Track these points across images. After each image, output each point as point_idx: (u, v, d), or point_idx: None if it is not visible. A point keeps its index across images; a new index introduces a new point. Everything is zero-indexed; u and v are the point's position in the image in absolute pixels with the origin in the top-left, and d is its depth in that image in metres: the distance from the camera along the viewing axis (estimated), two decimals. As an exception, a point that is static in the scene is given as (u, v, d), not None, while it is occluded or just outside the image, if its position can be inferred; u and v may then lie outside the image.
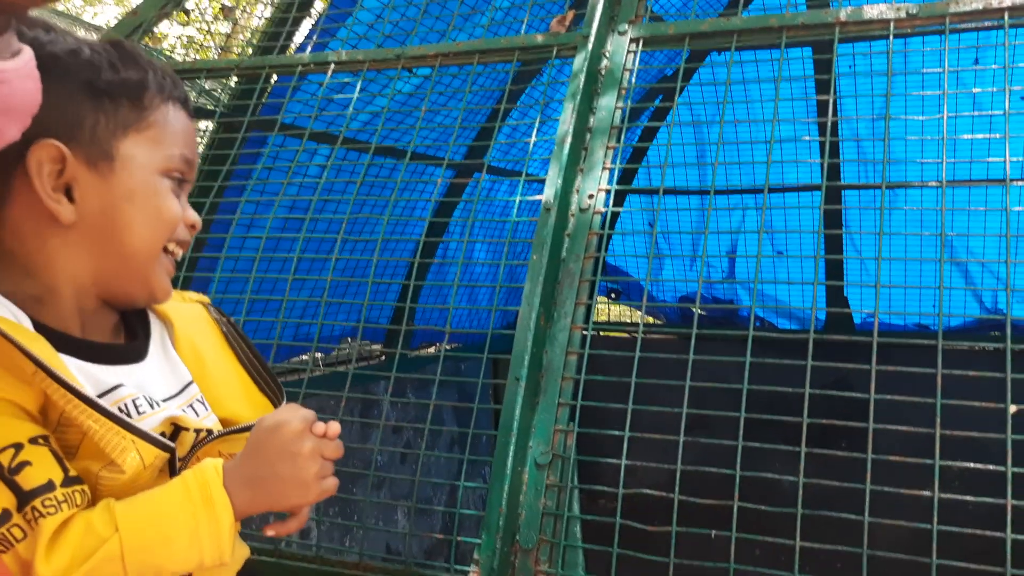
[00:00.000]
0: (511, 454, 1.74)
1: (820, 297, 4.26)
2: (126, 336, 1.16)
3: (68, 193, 1.04)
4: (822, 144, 3.90)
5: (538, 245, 1.87)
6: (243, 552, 1.21)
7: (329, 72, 2.33)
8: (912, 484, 1.55)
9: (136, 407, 1.04)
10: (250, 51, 2.95)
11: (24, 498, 0.92)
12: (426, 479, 2.28)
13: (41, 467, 0.94)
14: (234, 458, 1.08)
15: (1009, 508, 1.49)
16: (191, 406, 1.14)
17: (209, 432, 1.13)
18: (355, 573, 1.82)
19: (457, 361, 3.95)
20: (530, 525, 1.72)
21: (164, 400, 1.10)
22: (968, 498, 1.52)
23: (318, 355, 3.62)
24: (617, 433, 1.73)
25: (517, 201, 1.97)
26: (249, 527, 1.98)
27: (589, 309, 1.90)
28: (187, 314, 1.25)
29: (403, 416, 3.67)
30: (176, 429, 1.09)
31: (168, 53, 3.35)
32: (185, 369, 1.18)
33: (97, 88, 1.05)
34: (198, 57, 3.03)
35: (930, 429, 1.58)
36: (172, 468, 1.07)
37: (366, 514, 3.24)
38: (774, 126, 1.89)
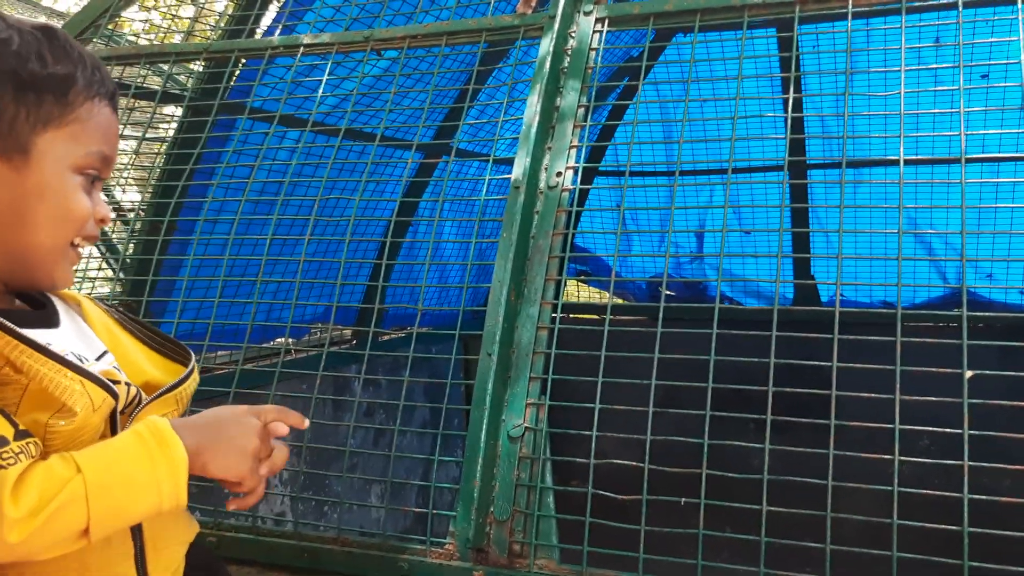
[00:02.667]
0: (484, 428, 1.78)
1: (788, 275, 4.32)
2: (31, 306, 1.17)
3: None
4: (786, 121, 3.96)
5: (508, 223, 1.90)
6: (193, 527, 1.26)
7: (298, 55, 2.33)
8: (873, 451, 1.60)
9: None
10: (216, 36, 2.94)
11: None
12: (402, 454, 2.31)
13: None
14: (181, 417, 1.15)
15: (966, 469, 1.54)
16: (112, 367, 1.16)
17: (139, 392, 1.16)
18: (333, 548, 1.85)
19: (428, 343, 3.97)
20: (504, 497, 1.75)
21: (89, 359, 1.13)
22: (927, 461, 1.57)
23: (290, 340, 3.63)
24: (588, 406, 1.77)
25: (487, 181, 2.00)
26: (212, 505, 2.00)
27: (558, 285, 1.94)
28: (86, 302, 1.27)
29: (376, 398, 3.69)
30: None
31: (133, 37, 3.33)
32: (98, 340, 1.20)
33: (22, 80, 1.04)
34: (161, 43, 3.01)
35: (890, 395, 1.63)
36: (113, 426, 1.10)
37: (343, 494, 3.27)
38: (737, 104, 1.93)
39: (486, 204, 3.61)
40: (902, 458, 1.59)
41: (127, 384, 1.14)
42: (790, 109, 1.98)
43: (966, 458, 1.55)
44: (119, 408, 1.10)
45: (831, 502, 1.60)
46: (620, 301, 5.06)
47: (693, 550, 1.66)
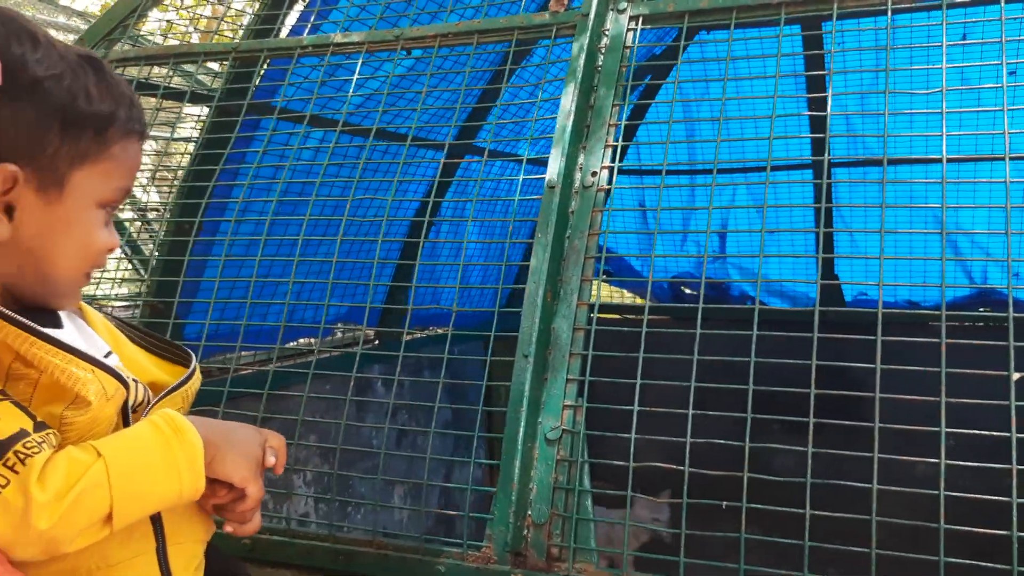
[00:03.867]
0: (522, 430, 1.76)
1: (811, 276, 4.29)
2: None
3: (9, 210, 1.05)
4: (825, 120, 3.93)
5: (543, 223, 1.88)
6: (211, 527, 1.26)
7: (328, 55, 2.32)
8: (897, 452, 1.58)
9: None
10: (239, 36, 2.93)
11: (1, 448, 0.94)
12: (437, 456, 2.30)
13: (8, 419, 0.97)
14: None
15: (1015, 473, 1.52)
16: (119, 367, 1.17)
17: (147, 392, 1.18)
18: (369, 550, 1.84)
19: (451, 343, 3.94)
20: (542, 500, 1.74)
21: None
22: (974, 464, 1.54)
23: (312, 340, 3.62)
24: (627, 408, 1.75)
25: (520, 181, 1.98)
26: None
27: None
28: (84, 304, 1.28)
29: (399, 399, 3.67)
30: None
31: (153, 37, 3.32)
32: (102, 341, 1.21)
33: (68, 118, 1.06)
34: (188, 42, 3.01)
35: (933, 398, 1.61)
36: (126, 421, 1.12)
37: (367, 495, 3.25)
38: (775, 103, 1.91)
39: (509, 204, 3.59)
40: (948, 462, 1.56)
41: (135, 381, 1.15)
42: (828, 106, 1.96)
43: (1014, 462, 1.53)
44: (131, 404, 1.13)
45: (874, 505, 1.58)
46: (639, 301, 5.04)
47: (722, 553, 1.64)
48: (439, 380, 1.89)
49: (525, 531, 1.73)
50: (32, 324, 1.02)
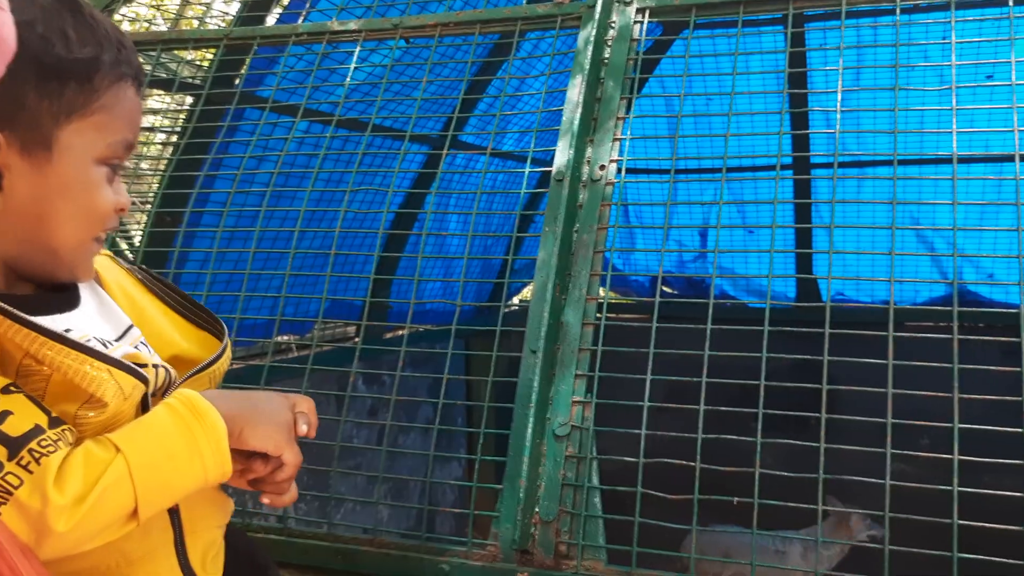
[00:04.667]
0: (530, 426, 1.73)
1: (791, 274, 4.33)
2: (52, 288, 1.09)
3: None
4: (793, 118, 3.95)
5: (551, 217, 1.86)
6: (228, 508, 1.21)
7: (324, 43, 2.27)
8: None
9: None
10: (220, 24, 2.87)
11: (15, 445, 0.88)
12: (440, 453, 2.26)
13: (23, 414, 0.91)
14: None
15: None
16: (138, 346, 1.10)
17: (169, 374, 1.10)
18: (369, 549, 1.80)
19: (432, 340, 3.91)
20: (550, 497, 1.71)
21: (113, 341, 1.07)
22: (991, 460, 1.55)
23: (292, 337, 3.57)
24: (637, 404, 1.73)
25: (526, 174, 1.96)
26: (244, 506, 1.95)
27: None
28: (105, 264, 1.20)
29: (382, 396, 3.62)
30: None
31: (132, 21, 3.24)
32: (123, 313, 1.14)
33: (45, 67, 0.95)
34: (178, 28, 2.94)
35: (946, 393, 1.61)
36: (145, 409, 1.04)
37: (348, 493, 3.20)
38: (784, 99, 1.90)
39: (492, 198, 3.55)
40: (962, 457, 1.57)
41: (155, 367, 1.08)
42: (839, 104, 1.96)
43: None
44: (151, 392, 1.05)
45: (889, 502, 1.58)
46: (623, 299, 5.04)
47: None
48: (443, 376, 1.85)
49: (532, 528, 1.71)
50: (38, 323, 0.94)
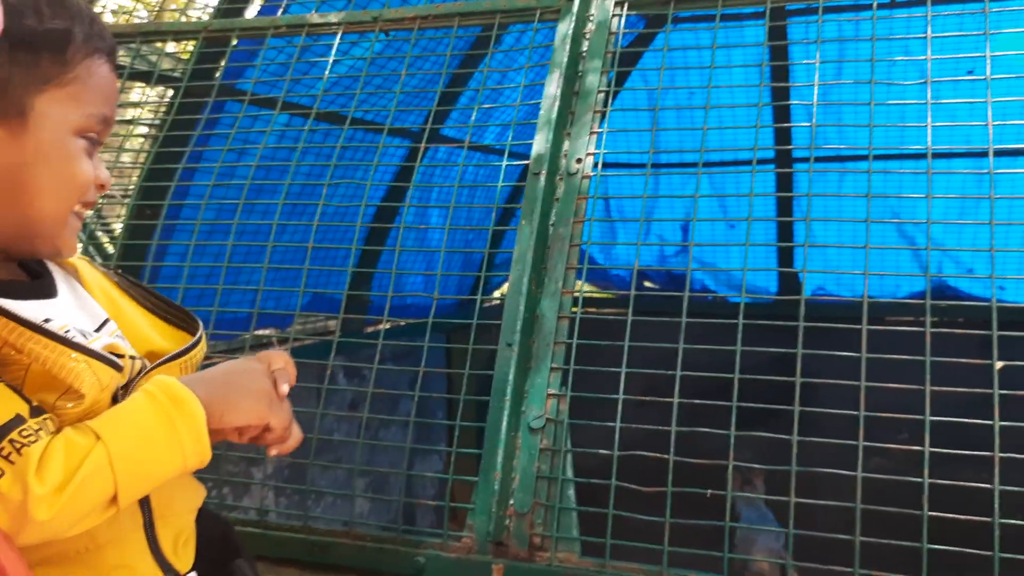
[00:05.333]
0: (505, 419, 1.74)
1: (770, 268, 4.34)
2: (28, 276, 1.11)
3: None
4: (777, 112, 3.96)
5: (527, 210, 1.86)
6: (200, 493, 1.22)
7: (303, 35, 2.27)
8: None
9: (70, 337, 1.01)
10: (204, 16, 2.85)
11: None
12: (418, 445, 2.27)
13: (3, 404, 0.91)
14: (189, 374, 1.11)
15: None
16: (115, 338, 1.11)
17: (143, 364, 1.11)
18: (345, 541, 1.80)
19: (413, 335, 3.91)
20: (524, 489, 1.72)
21: (92, 332, 1.08)
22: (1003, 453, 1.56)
23: (270, 331, 3.55)
24: (612, 397, 1.74)
25: (503, 168, 1.96)
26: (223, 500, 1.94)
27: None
28: (83, 264, 1.21)
29: (362, 390, 3.62)
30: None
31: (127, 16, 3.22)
32: (99, 307, 1.15)
33: (16, 37, 0.96)
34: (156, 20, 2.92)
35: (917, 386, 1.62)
36: (115, 401, 1.05)
37: (328, 487, 3.20)
38: (760, 92, 1.90)
39: (474, 192, 3.55)
40: (932, 450, 1.58)
41: (132, 358, 1.09)
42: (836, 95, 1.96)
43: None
44: (124, 382, 1.06)
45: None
46: (603, 293, 5.05)
47: (708, 542, 1.65)
48: (449, 370, 1.85)
49: (507, 521, 1.71)
50: (14, 311, 0.94)
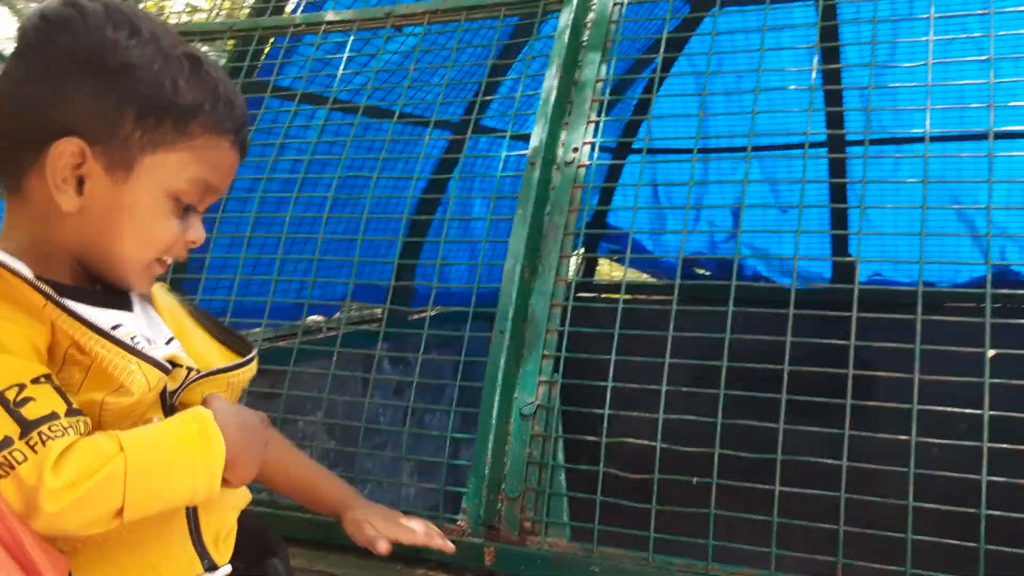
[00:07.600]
0: (496, 405, 1.77)
1: (826, 254, 4.24)
2: (109, 289, 1.19)
3: (81, 183, 1.07)
4: (827, 94, 3.86)
5: (523, 199, 1.89)
6: (246, 494, 1.29)
7: (320, 32, 2.33)
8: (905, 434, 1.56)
9: (135, 343, 1.09)
10: (245, 13, 2.95)
11: (28, 426, 0.95)
12: (428, 431, 2.34)
13: (44, 401, 0.98)
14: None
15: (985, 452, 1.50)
16: (177, 351, 1.20)
17: (197, 371, 1.19)
18: (347, 523, 1.85)
19: (458, 322, 3.94)
20: (515, 474, 1.75)
21: (157, 342, 1.17)
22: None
23: (320, 318, 3.65)
24: (601, 384, 1.75)
25: (503, 157, 1.98)
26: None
27: (586, 263, 1.92)
28: (159, 291, 1.30)
29: (407, 378, 3.68)
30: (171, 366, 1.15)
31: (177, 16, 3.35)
32: (167, 327, 1.23)
33: (148, 106, 1.06)
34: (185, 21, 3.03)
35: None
36: (164, 404, 1.15)
37: (372, 471, 3.29)
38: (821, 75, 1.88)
39: (503, 181, 3.56)
40: (991, 445, 1.53)
41: (188, 368, 1.18)
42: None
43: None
44: (171, 388, 1.16)
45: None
46: (646, 279, 5.00)
47: (705, 531, 1.64)
48: (462, 358, 1.91)
49: (499, 505, 1.75)
50: (81, 314, 1.03)
